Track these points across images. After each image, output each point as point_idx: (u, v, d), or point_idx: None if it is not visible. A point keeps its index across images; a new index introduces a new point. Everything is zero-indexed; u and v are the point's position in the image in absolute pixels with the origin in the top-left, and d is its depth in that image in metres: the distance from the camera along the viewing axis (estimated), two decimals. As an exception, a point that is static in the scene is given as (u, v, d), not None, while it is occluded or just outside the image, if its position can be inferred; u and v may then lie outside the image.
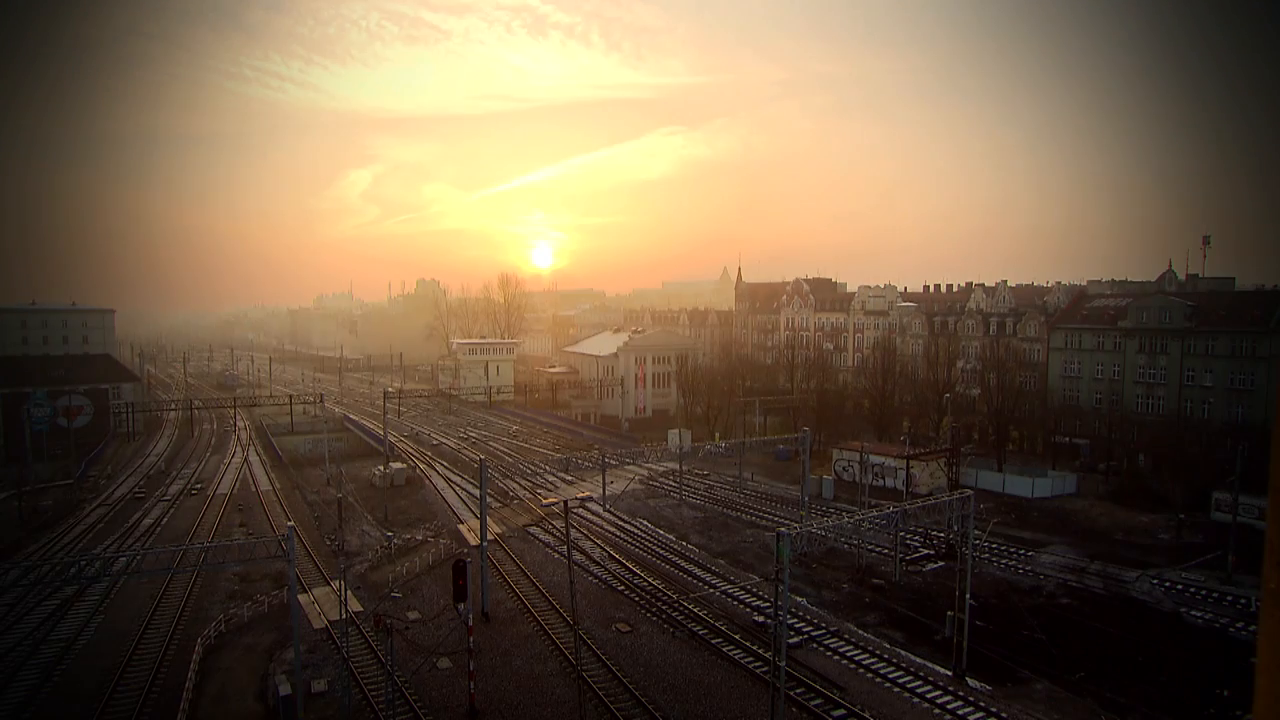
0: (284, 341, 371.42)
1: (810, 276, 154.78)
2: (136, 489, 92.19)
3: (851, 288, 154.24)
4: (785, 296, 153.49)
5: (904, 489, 76.66)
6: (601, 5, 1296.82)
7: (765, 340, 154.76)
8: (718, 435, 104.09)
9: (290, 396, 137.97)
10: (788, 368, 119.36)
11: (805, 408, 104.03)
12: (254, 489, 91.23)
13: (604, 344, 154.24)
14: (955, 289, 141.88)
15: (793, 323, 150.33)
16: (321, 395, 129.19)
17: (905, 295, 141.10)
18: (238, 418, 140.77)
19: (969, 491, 45.66)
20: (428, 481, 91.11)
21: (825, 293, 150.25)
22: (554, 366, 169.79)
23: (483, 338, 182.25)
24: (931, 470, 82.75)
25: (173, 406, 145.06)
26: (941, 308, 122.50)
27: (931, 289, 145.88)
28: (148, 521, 77.17)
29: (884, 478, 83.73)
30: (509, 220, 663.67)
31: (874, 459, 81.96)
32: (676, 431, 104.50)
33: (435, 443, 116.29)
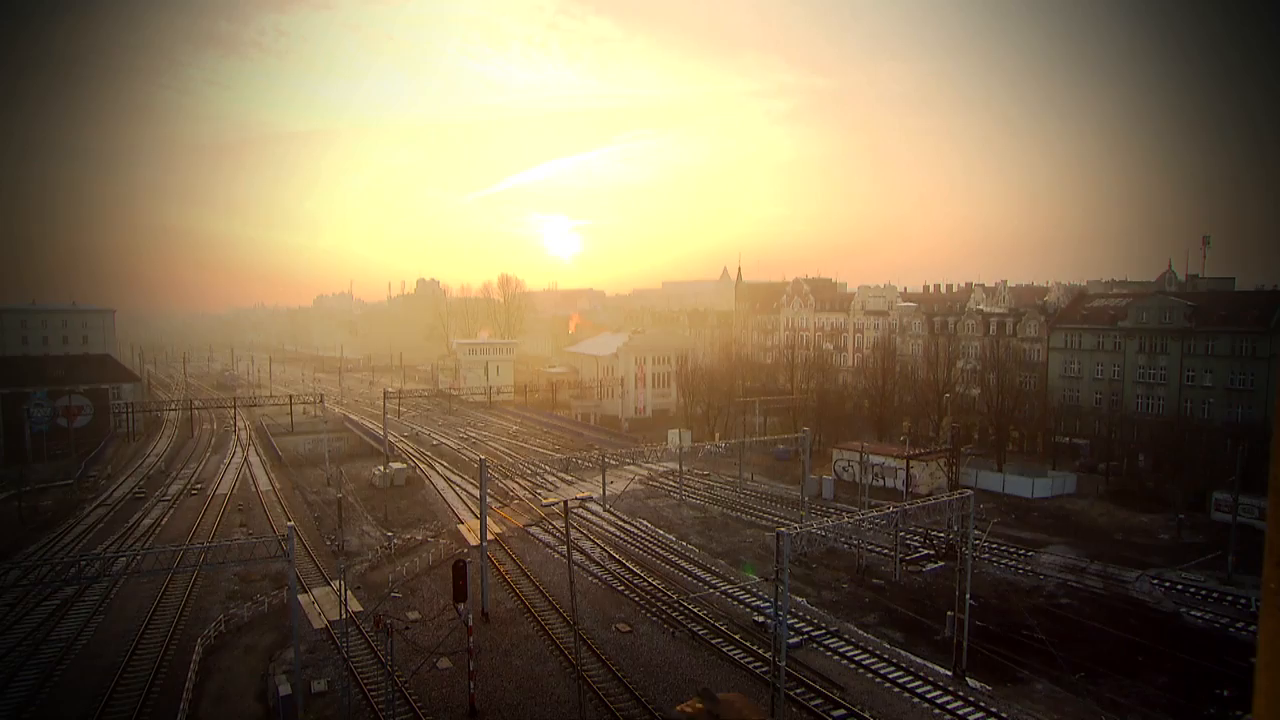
0: (284, 342, 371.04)
1: (810, 277, 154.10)
2: (136, 489, 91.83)
3: (851, 288, 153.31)
4: (785, 297, 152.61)
5: (904, 489, 76.25)
6: (557, 17, 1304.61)
7: (765, 340, 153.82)
8: (718, 435, 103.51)
9: (290, 397, 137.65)
10: (788, 368, 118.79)
11: (805, 408, 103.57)
12: (254, 489, 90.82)
13: (604, 344, 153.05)
14: (955, 289, 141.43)
15: (793, 323, 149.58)
16: (321, 395, 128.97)
17: (905, 295, 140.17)
18: (237, 418, 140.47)
19: (969, 491, 45.55)
20: (428, 482, 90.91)
21: (825, 293, 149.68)
22: (554, 367, 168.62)
23: (483, 338, 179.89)
24: (931, 470, 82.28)
25: (172, 406, 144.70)
26: (941, 308, 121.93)
27: (931, 289, 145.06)
28: (148, 522, 76.97)
29: (884, 478, 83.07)
30: (504, 222, 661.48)
31: (874, 459, 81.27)
32: (676, 431, 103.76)
33: (435, 443, 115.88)
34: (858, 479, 77.62)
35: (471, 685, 39.38)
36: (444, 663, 43.91)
